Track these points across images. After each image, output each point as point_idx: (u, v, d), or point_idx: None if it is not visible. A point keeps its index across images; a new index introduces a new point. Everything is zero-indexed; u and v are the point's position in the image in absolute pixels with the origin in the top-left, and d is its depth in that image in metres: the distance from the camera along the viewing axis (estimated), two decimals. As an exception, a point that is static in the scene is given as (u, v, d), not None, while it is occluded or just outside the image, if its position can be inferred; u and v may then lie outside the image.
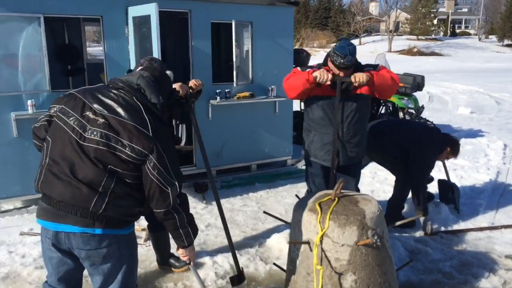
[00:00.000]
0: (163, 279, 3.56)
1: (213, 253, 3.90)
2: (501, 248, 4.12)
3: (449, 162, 5.10)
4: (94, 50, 18.16)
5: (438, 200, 5.07)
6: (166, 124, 2.32)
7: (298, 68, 3.66)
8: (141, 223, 4.30)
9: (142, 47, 4.98)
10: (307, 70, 3.56)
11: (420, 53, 39.64)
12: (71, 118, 2.14)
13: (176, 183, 2.19)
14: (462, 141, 8.25)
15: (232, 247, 3.42)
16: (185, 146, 6.30)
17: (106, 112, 2.12)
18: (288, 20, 6.10)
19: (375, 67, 3.66)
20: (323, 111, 3.61)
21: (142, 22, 4.84)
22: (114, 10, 4.87)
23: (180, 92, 3.18)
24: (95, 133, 2.09)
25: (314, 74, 3.41)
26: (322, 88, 3.56)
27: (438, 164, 4.75)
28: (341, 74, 3.48)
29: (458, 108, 12.30)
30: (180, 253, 2.47)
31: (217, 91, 5.52)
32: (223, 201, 4.73)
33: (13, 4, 4.38)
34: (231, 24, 5.53)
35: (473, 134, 9.06)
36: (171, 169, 2.17)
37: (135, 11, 4.85)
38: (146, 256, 3.89)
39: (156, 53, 4.50)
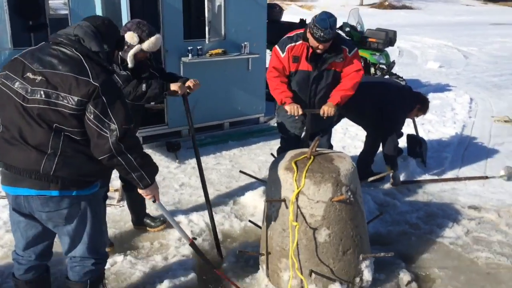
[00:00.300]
0: (139, 239, 3.59)
1: (188, 211, 3.94)
2: (465, 199, 4.33)
3: (418, 117, 5.23)
4: (54, 3, 17.21)
5: (406, 154, 5.24)
6: (111, 72, 2.26)
7: (277, 48, 3.68)
8: (114, 184, 4.28)
9: (108, 2, 4.77)
10: (287, 47, 3.61)
11: (392, 7, 39.42)
12: (14, 82, 2.11)
13: (116, 127, 2.09)
14: (430, 95, 8.44)
15: (214, 226, 3.41)
16: (155, 105, 6.20)
17: (44, 69, 2.08)
18: (261, -28, 5.92)
19: (351, 48, 3.68)
20: (298, 85, 3.69)
21: (108, -25, 4.61)
22: (77, -39, 4.62)
23: (179, 92, 3.16)
24: (35, 92, 2.06)
25: (285, 107, 3.61)
26: (300, 63, 3.61)
27: (408, 119, 4.87)
28: (320, 46, 3.47)
29: (427, 63, 12.46)
30: (141, 193, 2.38)
31: (189, 48, 5.38)
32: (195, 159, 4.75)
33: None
34: (202, -23, 5.34)
35: (441, 88, 9.25)
36: (111, 112, 2.09)
37: (99, -38, 4.61)
38: (121, 216, 3.90)
39: (125, 8, 4.33)
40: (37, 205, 2.14)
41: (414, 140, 5.23)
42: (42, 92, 2.04)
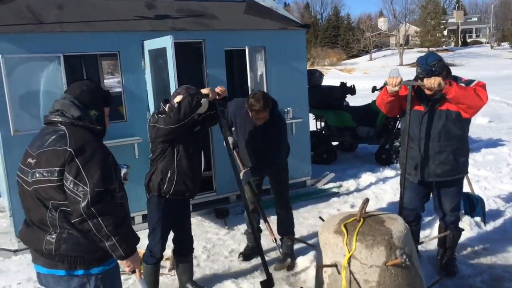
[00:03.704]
0: (191, 308, 3.55)
1: (238, 279, 3.88)
2: (533, 260, 4.02)
3: (472, 174, 5.04)
4: (109, 82, 18.58)
5: (463, 213, 4.99)
6: (99, 133, 2.27)
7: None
8: (166, 253, 4.31)
9: (158, 78, 5.08)
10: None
11: (433, 65, 39.41)
12: (22, 171, 2.24)
13: (88, 190, 2.04)
14: (483, 151, 8.16)
15: (261, 253, 3.55)
16: (204, 172, 6.33)
17: (37, 150, 2.18)
18: (301, 42, 6.18)
19: (469, 82, 3.62)
20: (410, 127, 3.61)
21: (158, 54, 4.95)
22: (130, 45, 5.01)
23: (210, 96, 3.32)
24: (30, 175, 2.16)
25: (385, 80, 3.53)
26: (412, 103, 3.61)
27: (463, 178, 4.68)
28: (426, 83, 3.43)
29: (476, 118, 12.12)
30: (120, 263, 2.29)
31: (234, 116, 5.56)
32: (244, 225, 4.73)
33: (35, 45, 4.55)
34: (245, 50, 5.62)
35: (493, 143, 8.93)
36: (85, 174, 2.05)
37: (151, 44, 4.98)
38: (172, 285, 3.90)
39: (173, 83, 4.59)
40: (51, 283, 2.21)
41: (470, 198, 5.01)
42: (34, 173, 2.14)
